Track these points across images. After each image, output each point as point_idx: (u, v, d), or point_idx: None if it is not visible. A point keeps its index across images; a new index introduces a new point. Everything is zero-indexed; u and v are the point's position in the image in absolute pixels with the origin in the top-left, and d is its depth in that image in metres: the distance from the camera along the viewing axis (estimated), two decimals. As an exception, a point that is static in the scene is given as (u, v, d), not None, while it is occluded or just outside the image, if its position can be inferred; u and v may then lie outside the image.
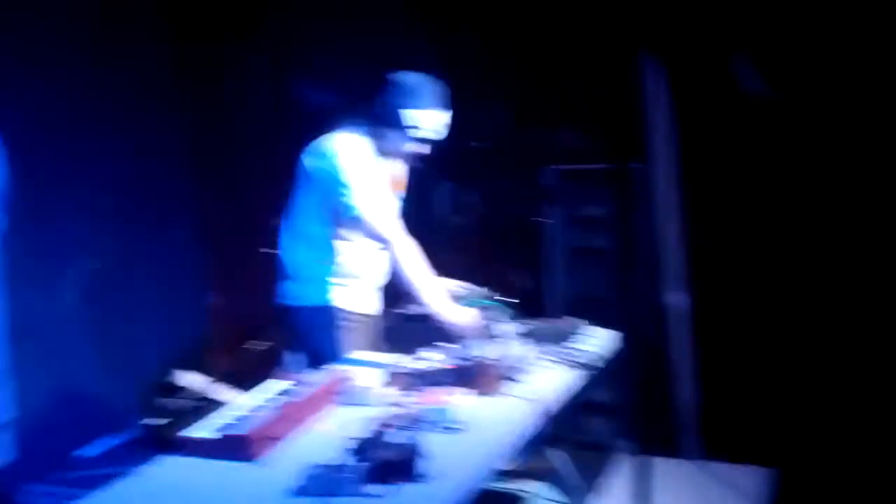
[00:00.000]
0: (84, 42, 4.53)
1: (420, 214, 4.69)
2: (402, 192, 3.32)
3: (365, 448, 2.01)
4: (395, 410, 2.34)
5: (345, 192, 3.00)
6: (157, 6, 4.99)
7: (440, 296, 2.96)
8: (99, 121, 4.66)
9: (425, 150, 3.15)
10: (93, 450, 4.44)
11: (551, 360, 2.94)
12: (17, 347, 4.01)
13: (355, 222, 3.05)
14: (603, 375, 3.23)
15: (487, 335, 2.81)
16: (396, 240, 2.99)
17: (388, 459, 1.96)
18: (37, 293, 4.17)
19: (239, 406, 2.41)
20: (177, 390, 4.79)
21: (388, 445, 2.04)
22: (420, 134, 3.06)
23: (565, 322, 3.28)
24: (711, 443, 4.30)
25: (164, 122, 5.27)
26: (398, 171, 3.28)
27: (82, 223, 4.51)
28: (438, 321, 2.92)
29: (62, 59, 4.44)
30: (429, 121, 3.05)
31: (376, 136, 3.11)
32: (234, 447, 2.14)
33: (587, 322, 3.33)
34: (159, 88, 5.20)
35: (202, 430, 2.25)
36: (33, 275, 4.23)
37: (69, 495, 3.86)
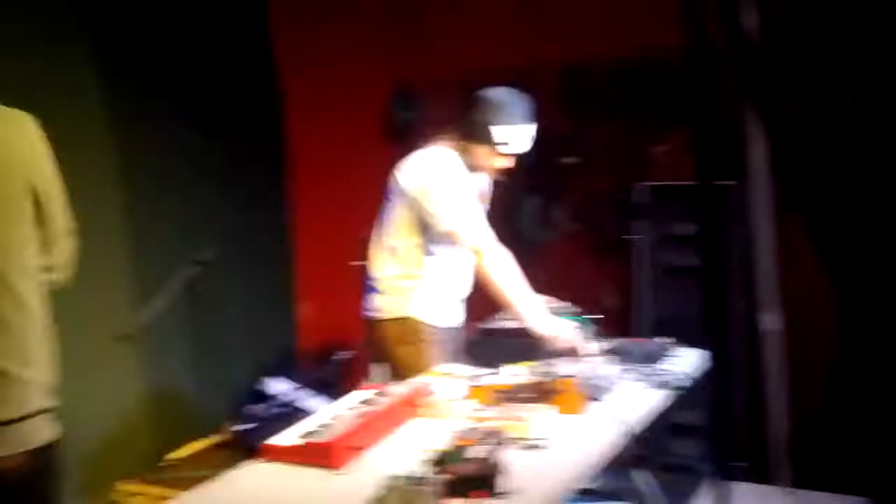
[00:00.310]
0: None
1: (506, 228, 4.72)
2: (487, 206, 3.33)
3: (444, 461, 2.01)
4: (475, 424, 2.34)
5: (436, 206, 3.04)
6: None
7: (536, 308, 2.96)
8: (196, 133, 4.83)
9: (511, 164, 3.17)
10: (183, 452, 4.57)
11: (638, 380, 2.88)
12: (116, 348, 4.20)
13: (445, 236, 3.09)
14: (691, 397, 3.15)
15: (575, 352, 2.79)
16: (492, 251, 3.02)
17: (467, 474, 1.95)
18: (140, 300, 4.35)
19: (324, 415, 2.44)
20: (265, 398, 4.90)
21: (468, 459, 2.03)
22: (508, 149, 3.09)
23: (653, 341, 3.21)
24: (801, 469, 4.16)
25: (260, 132, 5.43)
26: (484, 185, 3.30)
27: (182, 234, 4.67)
28: (529, 335, 2.92)
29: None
30: (517, 136, 3.07)
31: (465, 151, 3.14)
32: (318, 455, 2.18)
33: (676, 342, 3.25)
34: (254, 103, 5.36)
35: (288, 437, 2.29)
36: (137, 281, 4.42)
37: (159, 496, 4.01)
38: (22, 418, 1.93)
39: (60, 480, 2.03)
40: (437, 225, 3.06)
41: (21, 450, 1.93)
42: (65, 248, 2.09)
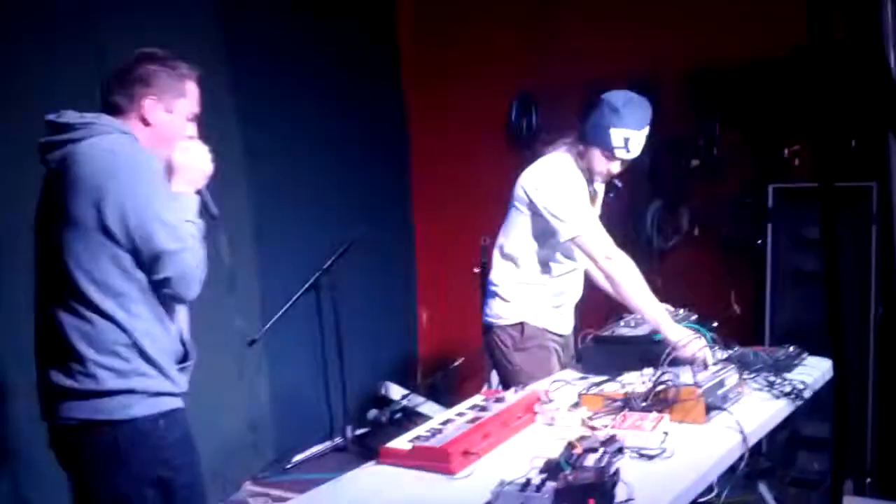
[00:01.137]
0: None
1: (630, 234, 4.65)
2: (598, 211, 3.31)
3: (557, 468, 2.00)
4: (591, 432, 2.31)
5: (562, 215, 3.05)
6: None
7: (662, 312, 2.93)
8: (324, 143, 4.96)
9: (624, 168, 3.14)
10: (305, 454, 4.69)
11: (762, 390, 2.79)
12: (244, 351, 4.36)
13: (568, 244, 3.09)
14: (820, 408, 3.02)
15: (699, 360, 2.73)
16: (618, 257, 3.01)
17: (581, 482, 1.93)
18: (266, 306, 4.50)
19: (442, 420, 2.47)
20: (385, 402, 4.98)
21: (583, 468, 2.02)
22: (626, 154, 3.05)
23: (780, 350, 3.10)
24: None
25: (386, 141, 5.52)
26: (598, 188, 3.28)
27: (309, 244, 4.79)
28: (643, 342, 2.88)
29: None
30: (635, 140, 3.03)
31: (582, 156, 3.13)
32: (435, 460, 2.20)
33: (803, 350, 3.13)
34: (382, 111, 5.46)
35: (405, 441, 2.33)
36: (264, 286, 4.58)
37: (280, 497, 4.13)
38: (109, 393, 2.20)
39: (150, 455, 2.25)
40: (563, 233, 3.06)
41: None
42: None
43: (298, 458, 4.63)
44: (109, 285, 2.19)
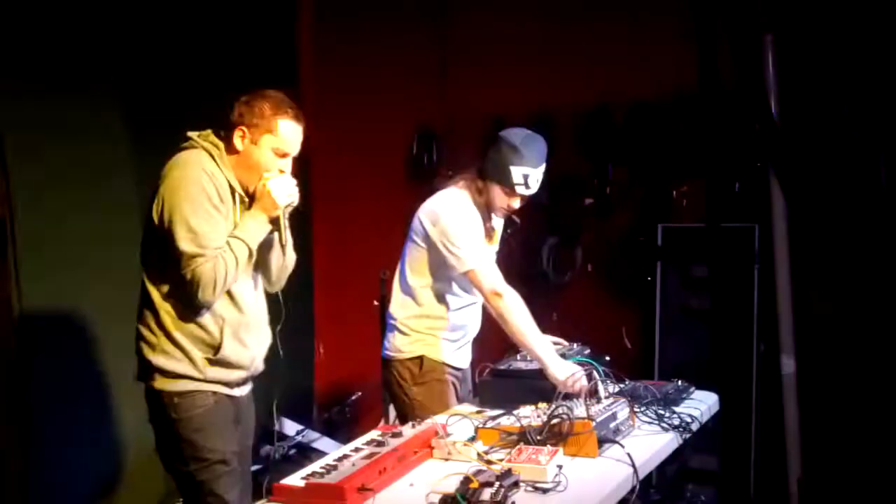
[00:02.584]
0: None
1: (525, 269, 4.72)
2: (496, 246, 3.35)
3: (453, 503, 2.00)
4: (487, 466, 2.32)
5: (457, 248, 3.07)
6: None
7: (548, 350, 2.97)
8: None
9: (522, 204, 3.20)
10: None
11: (653, 423, 2.86)
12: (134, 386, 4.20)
13: (463, 278, 3.12)
14: (707, 441, 3.12)
15: (588, 393, 2.78)
16: (507, 294, 3.04)
17: (477, 516, 1.94)
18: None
19: (337, 456, 2.44)
20: (279, 437, 4.88)
21: (479, 502, 2.02)
22: (526, 191, 3.11)
23: (669, 384, 3.19)
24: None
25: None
26: (495, 225, 3.32)
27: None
28: (540, 376, 2.92)
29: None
30: (534, 177, 3.09)
31: (481, 192, 3.17)
32: (329, 497, 2.17)
33: (691, 385, 3.23)
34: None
35: (299, 478, 2.28)
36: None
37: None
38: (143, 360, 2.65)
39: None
40: (458, 267, 3.08)
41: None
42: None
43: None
44: (155, 263, 2.61)
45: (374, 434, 2.62)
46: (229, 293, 2.63)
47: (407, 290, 3.27)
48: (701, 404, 3.11)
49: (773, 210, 4.23)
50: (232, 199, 2.63)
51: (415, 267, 3.24)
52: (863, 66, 3.95)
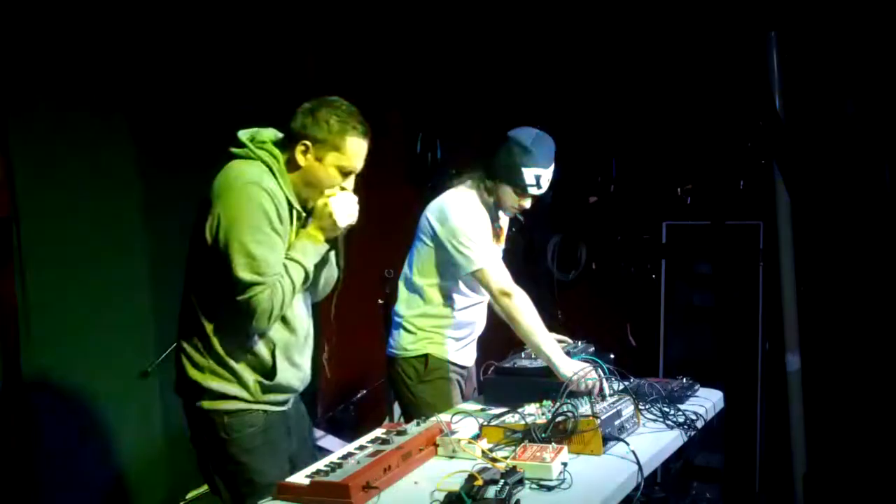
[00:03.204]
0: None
1: (529, 267, 4.72)
2: (503, 245, 3.35)
3: (458, 501, 2.00)
4: (492, 464, 2.33)
5: (465, 249, 3.07)
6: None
7: (556, 349, 2.97)
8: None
9: (530, 204, 3.20)
10: (199, 490, 4.55)
11: (658, 420, 2.86)
12: (140, 383, 4.21)
13: (470, 277, 3.12)
14: (712, 438, 3.12)
15: (593, 391, 2.78)
16: (516, 293, 3.03)
17: (481, 514, 1.94)
18: (165, 339, 4.35)
19: (342, 454, 2.44)
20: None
21: (484, 500, 2.02)
22: (538, 190, 3.12)
23: (673, 381, 3.19)
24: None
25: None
26: (502, 223, 3.32)
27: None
28: (544, 374, 2.93)
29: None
30: (545, 177, 3.10)
31: (490, 191, 3.17)
32: (334, 494, 2.17)
33: (696, 382, 3.23)
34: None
35: (304, 476, 2.29)
36: (160, 319, 4.44)
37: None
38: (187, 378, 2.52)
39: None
40: (466, 266, 3.08)
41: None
42: None
43: (192, 494, 4.49)
44: (204, 283, 2.46)
45: (378, 432, 2.62)
46: (283, 317, 2.53)
47: (413, 289, 3.28)
48: (706, 401, 3.11)
49: (777, 207, 4.23)
50: (290, 217, 2.49)
51: (422, 266, 3.24)
52: (867, 62, 3.94)
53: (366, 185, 5.37)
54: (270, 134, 2.55)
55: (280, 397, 2.59)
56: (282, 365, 2.54)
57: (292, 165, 2.49)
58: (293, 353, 2.60)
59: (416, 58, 5.26)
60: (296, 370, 2.63)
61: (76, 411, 3.99)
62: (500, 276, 3.08)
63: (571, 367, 2.89)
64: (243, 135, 2.52)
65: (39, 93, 3.87)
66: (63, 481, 3.88)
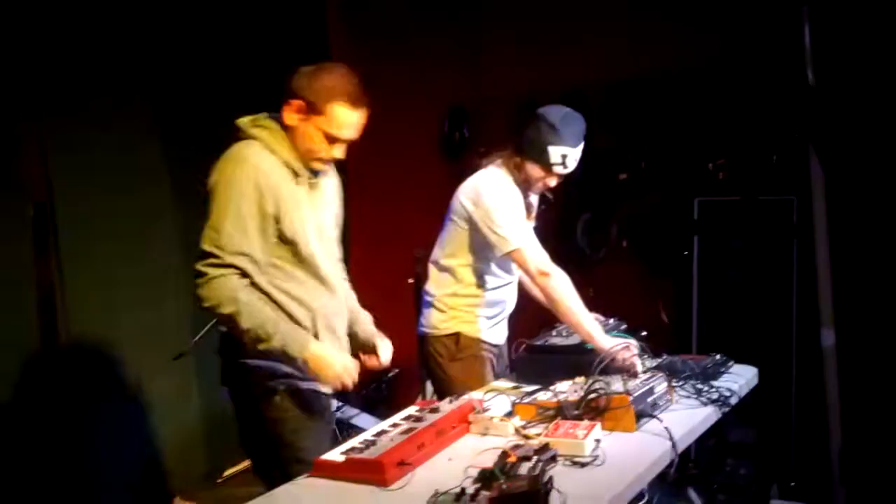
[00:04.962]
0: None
1: (560, 245, 4.69)
2: (533, 223, 3.34)
3: (491, 478, 2.01)
4: (524, 441, 2.33)
5: (500, 229, 3.07)
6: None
7: (597, 328, 2.96)
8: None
9: (555, 182, 3.18)
10: (238, 468, 4.61)
11: (691, 397, 2.85)
12: (173, 364, 4.26)
13: (504, 257, 3.12)
14: (747, 415, 3.10)
15: (631, 369, 2.77)
16: (555, 273, 3.03)
17: (515, 491, 1.95)
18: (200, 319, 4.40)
19: (376, 431, 2.46)
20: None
21: (517, 477, 2.03)
22: (563, 170, 3.10)
23: (707, 358, 3.17)
24: (855, 490, 4.05)
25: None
26: (533, 201, 3.31)
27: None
28: (576, 351, 2.93)
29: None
30: (572, 156, 3.08)
31: (519, 169, 3.16)
32: (369, 471, 2.19)
33: (729, 359, 3.21)
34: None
35: (339, 453, 2.31)
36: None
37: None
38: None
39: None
40: (500, 247, 3.08)
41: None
42: None
43: (230, 472, 4.56)
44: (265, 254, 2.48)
45: (412, 410, 2.64)
46: (321, 277, 2.58)
47: (444, 269, 3.28)
48: (740, 378, 3.09)
49: (812, 182, 4.17)
50: (294, 179, 2.51)
51: (454, 247, 3.24)
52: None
53: (397, 163, 5.41)
54: (268, 117, 2.58)
55: None
56: (325, 335, 2.57)
57: (285, 127, 2.52)
58: (333, 319, 2.63)
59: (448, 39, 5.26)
60: (337, 339, 2.65)
61: (114, 390, 4.06)
62: (538, 256, 3.07)
63: (611, 343, 2.88)
64: (242, 121, 2.56)
65: (71, 85, 3.92)
66: (102, 459, 3.96)
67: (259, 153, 2.48)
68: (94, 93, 4.01)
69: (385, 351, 2.84)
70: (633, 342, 2.90)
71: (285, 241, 2.50)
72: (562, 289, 3.00)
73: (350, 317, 2.80)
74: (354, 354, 2.71)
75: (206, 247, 2.39)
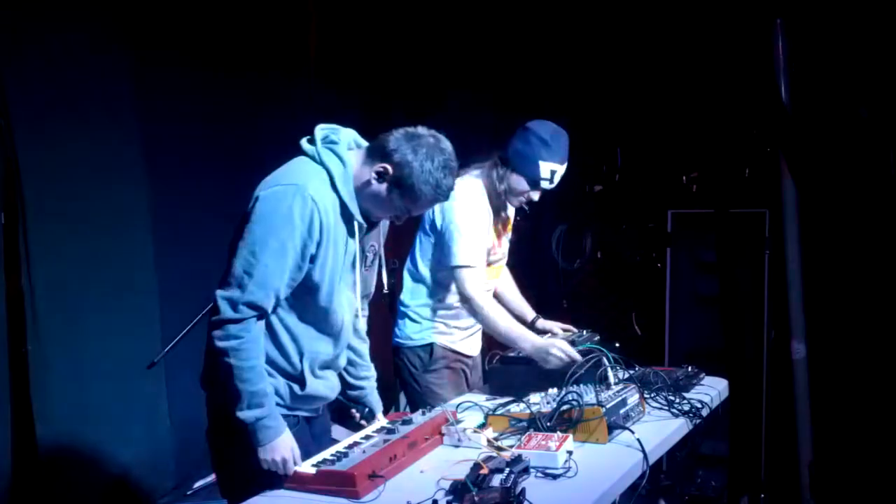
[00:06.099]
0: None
1: (533, 256, 4.72)
2: (510, 235, 3.34)
3: (463, 489, 2.01)
4: (497, 453, 2.33)
5: (451, 242, 3.08)
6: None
7: (518, 330, 3.02)
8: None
9: (538, 197, 3.18)
10: (205, 479, 4.56)
11: (663, 409, 2.86)
12: (146, 374, 4.22)
13: (448, 271, 3.13)
14: (716, 427, 3.11)
15: (597, 379, 2.78)
16: (474, 299, 3.05)
17: (487, 502, 1.94)
18: (169, 329, 4.36)
19: (348, 443, 2.44)
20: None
21: (489, 488, 2.03)
22: (549, 186, 3.10)
23: (679, 370, 3.19)
24: (825, 502, 4.08)
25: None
26: (509, 213, 3.31)
27: (216, 256, 4.68)
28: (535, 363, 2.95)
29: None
30: (559, 173, 3.09)
31: (503, 180, 3.13)
32: (340, 484, 2.18)
33: (701, 371, 3.23)
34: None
35: (310, 465, 2.29)
36: (164, 309, 4.44)
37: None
38: None
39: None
40: (448, 259, 3.09)
41: None
42: None
43: (199, 483, 4.51)
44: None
45: (384, 421, 2.63)
46: (328, 325, 2.43)
47: (418, 279, 3.27)
48: (711, 390, 3.11)
49: (783, 195, 4.22)
50: (345, 226, 2.34)
51: (426, 256, 3.23)
52: (873, 50, 3.92)
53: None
54: (349, 136, 2.42)
55: (313, 405, 2.54)
56: (307, 374, 2.44)
57: (359, 179, 2.33)
58: (325, 364, 2.50)
59: (421, 44, 5.25)
60: (328, 382, 2.55)
61: (83, 403, 4.00)
62: (472, 283, 3.07)
63: (533, 342, 2.95)
64: (319, 131, 2.37)
65: (44, 90, 3.86)
66: (70, 471, 3.90)
67: (322, 186, 2.29)
68: (69, 94, 3.95)
69: (374, 424, 2.70)
70: (605, 353, 2.90)
71: (310, 283, 2.36)
72: (481, 311, 3.05)
73: (359, 372, 2.71)
74: (348, 406, 2.71)
75: (238, 271, 2.25)
